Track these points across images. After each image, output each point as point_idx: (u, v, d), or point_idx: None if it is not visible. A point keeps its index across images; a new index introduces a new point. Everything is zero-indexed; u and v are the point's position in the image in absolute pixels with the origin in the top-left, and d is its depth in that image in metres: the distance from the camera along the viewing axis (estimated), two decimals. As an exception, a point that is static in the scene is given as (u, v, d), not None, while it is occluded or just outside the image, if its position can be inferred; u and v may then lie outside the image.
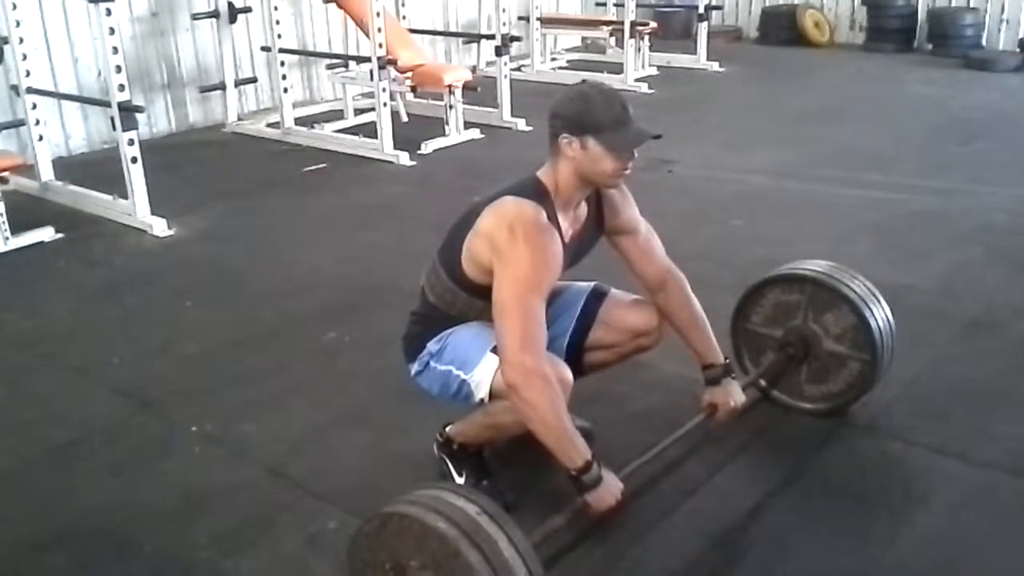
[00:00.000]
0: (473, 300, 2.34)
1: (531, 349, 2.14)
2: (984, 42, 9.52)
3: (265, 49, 7.03)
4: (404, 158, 6.14)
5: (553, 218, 2.29)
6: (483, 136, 6.75)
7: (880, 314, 2.80)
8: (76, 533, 2.54)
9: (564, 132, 2.24)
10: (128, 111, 4.76)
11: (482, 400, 2.37)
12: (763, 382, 2.99)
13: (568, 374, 2.31)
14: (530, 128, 6.83)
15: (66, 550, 2.48)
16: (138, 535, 2.52)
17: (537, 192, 2.29)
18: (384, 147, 6.18)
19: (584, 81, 2.41)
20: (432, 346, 2.47)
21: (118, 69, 4.68)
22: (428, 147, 6.39)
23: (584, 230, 2.45)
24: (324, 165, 6.16)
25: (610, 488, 2.15)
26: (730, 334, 3.02)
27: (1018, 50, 9.17)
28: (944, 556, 2.37)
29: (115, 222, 5.05)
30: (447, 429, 2.66)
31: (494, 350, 2.28)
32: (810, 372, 2.93)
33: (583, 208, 2.43)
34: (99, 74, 6.37)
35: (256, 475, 2.79)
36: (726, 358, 2.62)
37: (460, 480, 2.62)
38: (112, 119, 4.79)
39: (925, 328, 3.54)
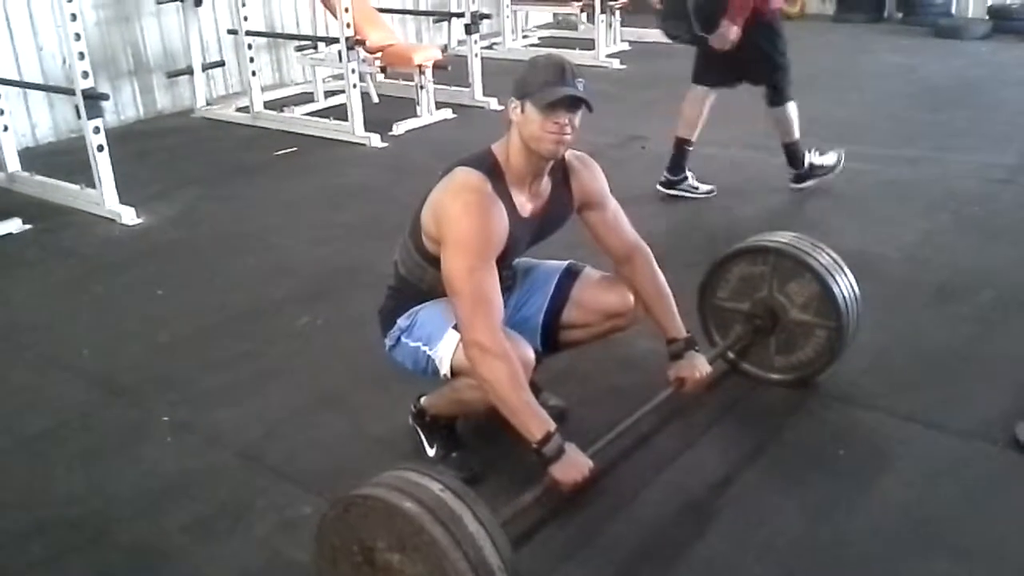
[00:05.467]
0: (439, 274, 2.33)
1: (483, 327, 2.17)
2: (953, 10, 9.53)
3: (232, 32, 6.95)
4: (375, 140, 6.11)
5: (504, 191, 2.31)
6: (455, 116, 6.71)
7: (844, 280, 2.83)
8: (52, 523, 2.54)
9: (511, 97, 2.28)
10: (93, 99, 4.70)
11: (446, 376, 2.39)
12: (731, 354, 3.02)
13: (529, 354, 2.33)
14: (502, 107, 6.78)
15: (43, 540, 2.47)
16: (113, 524, 2.52)
17: (487, 164, 2.32)
18: (355, 129, 6.14)
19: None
20: (402, 322, 2.49)
21: (81, 56, 4.61)
22: (399, 128, 6.36)
23: (550, 206, 2.46)
24: (295, 149, 6.11)
25: (576, 463, 2.16)
26: (697, 310, 3.04)
27: (987, 17, 9.21)
28: (914, 522, 2.40)
29: (84, 212, 5.00)
30: (421, 400, 2.69)
31: (456, 327, 2.30)
32: (778, 343, 2.96)
33: (546, 184, 2.44)
34: (63, 62, 6.26)
35: (231, 461, 2.79)
36: (689, 332, 2.63)
37: (431, 452, 2.66)
38: (77, 107, 4.73)
39: (894, 296, 3.58)
